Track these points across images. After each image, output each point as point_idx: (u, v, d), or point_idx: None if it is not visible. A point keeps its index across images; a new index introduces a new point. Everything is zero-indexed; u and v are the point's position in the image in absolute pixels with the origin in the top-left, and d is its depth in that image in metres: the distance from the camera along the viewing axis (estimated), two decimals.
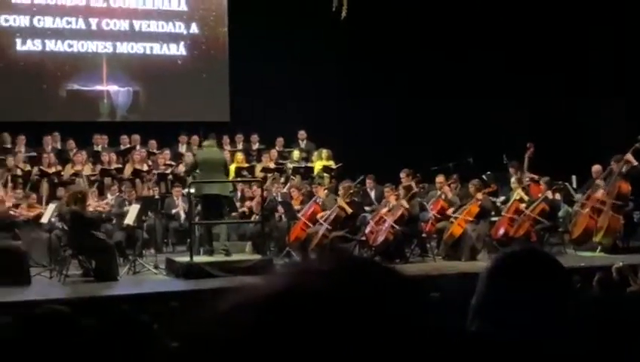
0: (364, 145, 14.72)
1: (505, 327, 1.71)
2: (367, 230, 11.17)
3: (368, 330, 0.88)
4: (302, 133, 15.25)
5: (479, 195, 11.34)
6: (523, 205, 11.47)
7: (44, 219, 10.95)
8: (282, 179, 13.53)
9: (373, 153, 14.31)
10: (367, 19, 14.79)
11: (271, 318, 0.91)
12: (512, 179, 12.07)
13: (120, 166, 13.68)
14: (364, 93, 15.49)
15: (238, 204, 12.54)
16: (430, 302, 1.00)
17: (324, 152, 14.37)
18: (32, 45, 15.25)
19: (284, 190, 12.83)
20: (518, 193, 11.63)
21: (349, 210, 11.25)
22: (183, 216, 12.58)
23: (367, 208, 12.29)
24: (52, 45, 15.36)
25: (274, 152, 14.60)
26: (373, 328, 0.88)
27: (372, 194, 12.99)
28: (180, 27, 16.09)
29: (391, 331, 0.89)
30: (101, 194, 12.67)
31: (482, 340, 1.71)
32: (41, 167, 13.14)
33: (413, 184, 11.72)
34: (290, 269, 1.00)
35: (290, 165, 14.21)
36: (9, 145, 13.83)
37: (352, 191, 11.53)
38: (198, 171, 11.14)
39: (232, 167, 12.91)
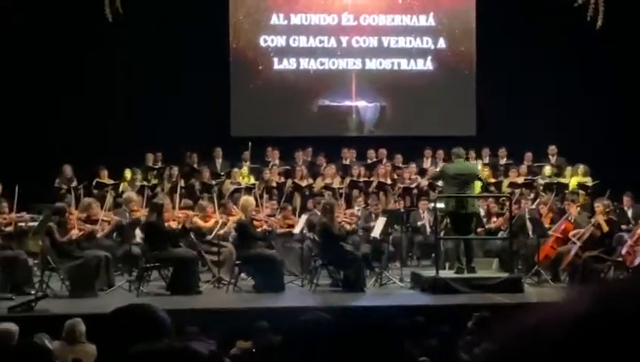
0: (619, 161, 13.94)
1: None
2: (624, 250, 10.51)
3: None
4: (552, 148, 14.71)
5: None
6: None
7: (296, 230, 11.44)
8: (531, 195, 13.12)
9: (630, 169, 13.50)
10: (621, 31, 14.05)
11: (579, 339, 0.85)
12: None
13: (367, 179, 14.00)
14: (620, 108, 14.70)
15: (484, 220, 12.32)
16: None
17: (581, 168, 13.76)
18: (288, 64, 16.09)
19: (533, 206, 12.42)
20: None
21: (606, 228, 10.64)
22: (428, 229, 12.60)
23: (623, 227, 11.59)
24: (305, 63, 16.10)
25: (523, 167, 14.22)
26: None
27: (629, 212, 12.22)
28: (427, 42, 16.19)
29: None
30: (349, 206, 13.03)
31: None
32: (294, 180, 13.78)
33: None
34: (598, 289, 0.94)
35: (541, 181, 13.77)
36: (268, 159, 14.65)
37: (608, 209, 10.92)
38: (440, 184, 10.98)
39: (478, 183, 12.70)
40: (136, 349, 1.69)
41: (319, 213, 11.04)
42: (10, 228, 10.32)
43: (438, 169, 11.89)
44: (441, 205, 11.09)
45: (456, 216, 10.45)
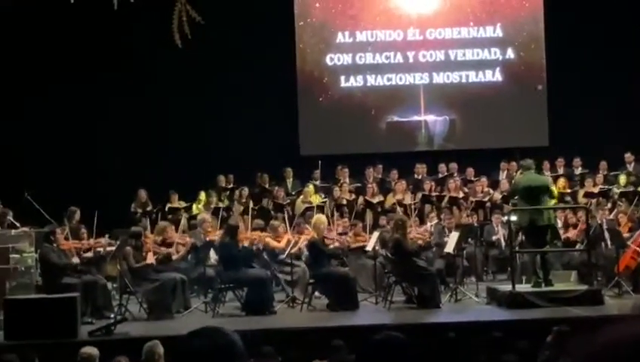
0: None
1: None
2: None
3: None
4: (629, 156, 14.33)
5: None
6: None
7: (369, 247, 11.40)
8: (608, 205, 12.80)
9: None
10: None
11: None
12: None
13: (439, 194, 13.88)
14: None
15: (560, 231, 12.05)
16: None
17: None
18: (355, 81, 16.12)
19: (611, 216, 12.11)
20: None
21: None
22: (503, 243, 12.40)
23: None
24: (372, 80, 16.11)
25: (599, 177, 13.89)
26: None
27: None
28: (495, 53, 16.03)
29: None
30: (421, 222, 12.93)
31: None
32: (365, 197, 13.76)
33: None
34: None
35: (616, 190, 13.41)
36: (338, 177, 14.67)
37: None
38: (516, 198, 10.81)
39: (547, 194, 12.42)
40: None
41: (391, 230, 10.98)
42: (89, 254, 10.58)
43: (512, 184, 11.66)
44: (515, 218, 10.91)
45: (531, 230, 10.25)
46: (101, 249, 10.73)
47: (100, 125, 14.78)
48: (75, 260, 10.06)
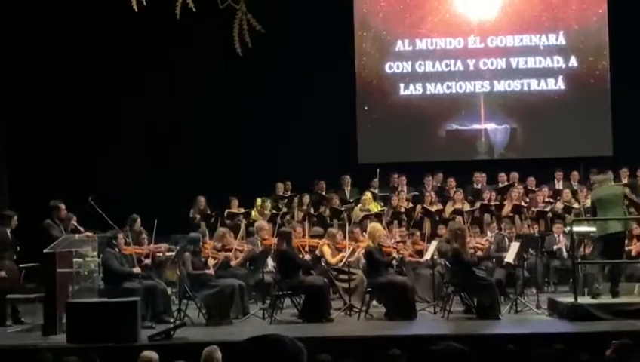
0: None
1: None
2: None
3: None
4: None
5: None
6: None
7: (427, 256, 11.32)
8: None
9: None
10: None
11: None
12: None
13: (498, 203, 13.71)
14: None
15: (626, 242, 11.77)
16: None
17: None
18: (414, 89, 16.06)
19: None
20: None
21: None
22: (565, 254, 12.18)
23: None
24: (432, 88, 16.02)
25: None
26: None
27: None
28: (557, 61, 15.79)
29: None
30: (481, 231, 12.79)
31: None
32: (424, 205, 13.67)
33: None
34: None
35: None
36: (396, 185, 14.62)
37: None
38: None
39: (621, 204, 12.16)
40: None
41: (450, 239, 10.88)
42: (149, 260, 10.74)
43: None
44: (583, 228, 10.73)
45: (607, 240, 10.06)
46: (161, 254, 10.88)
47: (162, 132, 15.01)
48: (137, 270, 10.21)
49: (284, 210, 13.87)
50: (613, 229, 9.97)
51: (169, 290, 10.53)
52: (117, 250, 10.22)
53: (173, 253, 10.62)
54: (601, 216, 10.07)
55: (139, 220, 11.60)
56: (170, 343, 8.33)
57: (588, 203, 11.40)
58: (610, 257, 10.11)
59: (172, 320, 9.67)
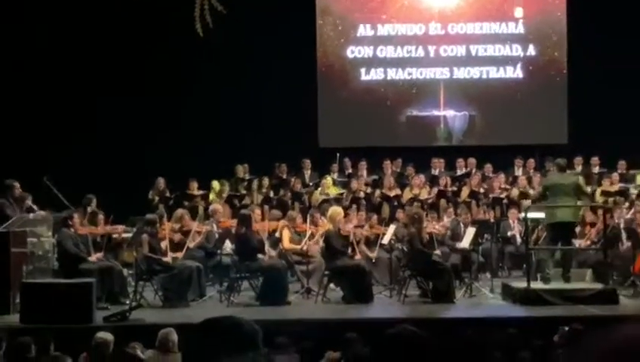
0: None
1: None
2: None
3: None
4: None
5: None
6: None
7: (385, 240, 11.39)
8: (626, 204, 12.72)
9: None
10: None
11: None
12: None
13: (455, 189, 13.85)
14: None
15: (577, 230, 11.99)
16: None
17: None
18: (375, 74, 16.10)
19: (628, 216, 12.04)
20: None
21: None
22: (519, 240, 12.37)
23: None
24: (393, 74, 16.07)
25: (616, 175, 13.81)
26: None
27: None
28: (516, 50, 15.95)
29: None
30: (438, 216, 12.91)
31: None
32: (382, 190, 13.75)
33: None
34: None
35: (634, 189, 13.32)
36: (350, 170, 14.68)
37: None
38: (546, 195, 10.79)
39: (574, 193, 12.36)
40: None
41: (407, 224, 10.97)
42: (101, 240, 10.65)
43: (537, 189, 11.59)
44: (535, 215, 10.92)
45: (558, 228, 10.24)
46: (117, 235, 10.79)
47: (120, 112, 14.85)
48: (94, 258, 10.08)
49: (243, 192, 13.85)
50: (562, 218, 10.13)
51: (125, 272, 10.46)
52: (72, 230, 10.11)
53: (130, 234, 10.54)
54: (552, 203, 10.24)
55: (94, 200, 11.49)
56: (126, 325, 8.29)
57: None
58: (559, 244, 10.29)
59: (128, 302, 9.62)
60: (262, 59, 14.98)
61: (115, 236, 10.79)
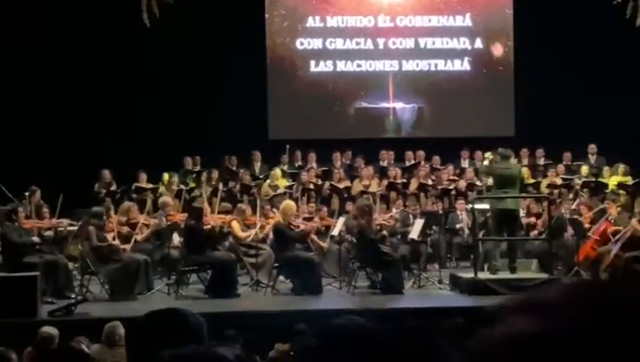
0: None
1: None
2: None
3: None
4: (592, 147, 14.52)
5: None
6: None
7: (335, 232, 11.42)
8: (570, 196, 12.96)
9: None
10: None
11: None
12: None
13: (405, 181, 13.94)
14: None
15: (523, 221, 12.18)
16: None
17: (621, 167, 13.57)
18: (325, 66, 16.10)
19: (573, 207, 12.27)
20: None
21: None
22: (466, 231, 12.51)
23: None
24: (342, 66, 16.09)
25: (561, 167, 14.06)
26: None
27: None
28: (464, 43, 16.09)
29: None
30: (387, 208, 12.98)
31: None
32: (332, 182, 13.78)
33: None
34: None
35: (578, 181, 13.58)
36: (300, 162, 14.67)
37: None
38: (488, 182, 10.93)
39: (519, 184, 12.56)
40: (162, 354, 1.70)
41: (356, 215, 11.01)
42: (50, 233, 10.48)
43: (485, 163, 11.66)
44: (483, 206, 11.06)
45: (501, 216, 10.38)
46: (63, 228, 10.63)
47: (65, 103, 14.60)
48: (36, 239, 9.95)
49: (192, 184, 13.75)
50: (506, 206, 10.29)
51: (71, 265, 10.31)
52: (17, 224, 9.92)
53: (76, 228, 10.39)
54: (496, 192, 10.38)
55: (38, 192, 11.29)
56: (71, 319, 8.18)
57: (490, 181, 11.70)
58: (503, 233, 10.45)
59: (73, 296, 9.48)
60: (211, 51, 14.87)
61: (60, 229, 10.62)
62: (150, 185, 13.54)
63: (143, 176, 13.62)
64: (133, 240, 10.52)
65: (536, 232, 11.85)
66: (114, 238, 10.20)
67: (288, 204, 10.89)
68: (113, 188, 13.50)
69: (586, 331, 0.78)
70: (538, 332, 0.80)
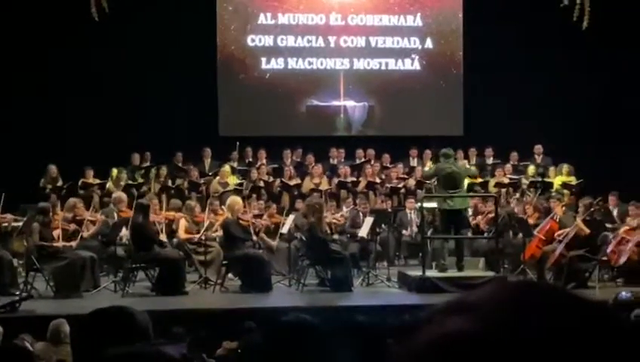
0: (608, 161, 14.05)
1: None
2: (609, 249, 10.56)
3: None
4: (538, 148, 14.77)
5: None
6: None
7: (284, 230, 11.43)
8: (517, 195, 13.17)
9: (617, 169, 13.61)
10: (608, 30, 14.16)
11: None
12: None
13: (355, 179, 14.00)
14: (607, 108, 14.83)
15: (470, 219, 12.33)
16: None
17: (565, 167, 13.83)
18: (276, 63, 16.06)
19: (519, 206, 12.46)
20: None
21: (586, 230, 10.66)
22: (415, 229, 12.61)
23: (608, 226, 11.62)
24: (293, 63, 16.07)
25: (508, 167, 14.28)
26: None
27: (615, 212, 12.27)
28: (414, 42, 16.20)
29: None
30: (337, 206, 13.03)
31: None
32: (282, 180, 13.77)
33: None
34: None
35: (525, 180, 13.81)
36: (250, 159, 14.63)
37: (592, 208, 10.95)
38: (434, 183, 11.05)
39: (465, 182, 12.72)
40: (107, 353, 1.68)
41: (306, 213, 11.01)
42: None
43: (428, 168, 11.78)
44: (431, 204, 11.16)
45: (448, 215, 10.49)
46: (6, 224, 10.42)
47: (10, 97, 14.31)
48: None
49: (141, 180, 13.60)
50: (453, 206, 10.40)
51: (15, 262, 10.11)
52: None
53: (21, 223, 10.19)
54: (442, 191, 10.49)
55: None
56: (16, 316, 8.03)
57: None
58: (451, 232, 10.57)
59: (18, 293, 9.30)
60: (161, 46, 14.70)
61: (4, 225, 10.41)
62: (97, 181, 13.36)
63: (90, 172, 13.42)
64: (79, 236, 10.36)
65: (484, 231, 12.00)
66: (59, 235, 10.03)
67: (234, 199, 10.86)
68: (59, 183, 13.29)
69: (510, 330, 0.79)
70: (465, 331, 0.81)
